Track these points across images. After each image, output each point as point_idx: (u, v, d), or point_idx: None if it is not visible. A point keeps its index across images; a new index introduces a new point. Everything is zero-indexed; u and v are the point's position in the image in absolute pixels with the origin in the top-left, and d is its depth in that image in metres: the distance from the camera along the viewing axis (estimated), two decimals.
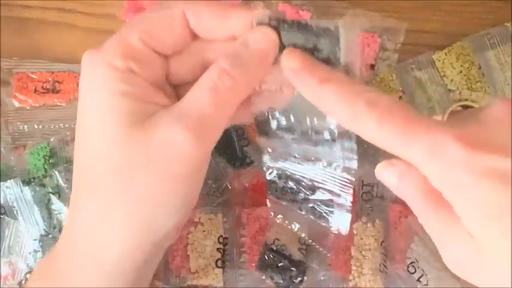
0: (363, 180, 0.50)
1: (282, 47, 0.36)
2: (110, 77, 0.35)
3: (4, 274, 0.49)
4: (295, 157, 0.39)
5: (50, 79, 0.52)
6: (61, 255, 0.39)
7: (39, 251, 0.49)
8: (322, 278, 0.48)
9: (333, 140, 0.36)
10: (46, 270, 0.40)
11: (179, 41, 0.37)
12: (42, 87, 0.52)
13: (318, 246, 0.45)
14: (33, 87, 0.52)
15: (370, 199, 0.49)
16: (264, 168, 0.41)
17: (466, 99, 0.34)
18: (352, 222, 0.47)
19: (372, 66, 0.52)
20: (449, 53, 0.50)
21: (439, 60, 0.51)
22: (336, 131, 0.36)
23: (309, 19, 0.36)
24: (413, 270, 0.47)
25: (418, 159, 0.32)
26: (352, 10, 0.52)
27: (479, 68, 0.50)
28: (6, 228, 0.50)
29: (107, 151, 0.35)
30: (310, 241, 0.44)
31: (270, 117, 0.38)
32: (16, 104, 0.52)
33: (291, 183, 0.40)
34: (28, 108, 0.52)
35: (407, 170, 0.34)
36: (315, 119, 0.36)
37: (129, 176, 0.35)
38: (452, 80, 0.50)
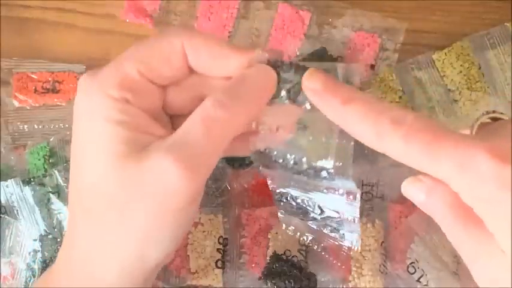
0: (362, 180, 0.50)
1: (279, 89, 0.36)
2: (106, 106, 0.35)
3: (4, 274, 0.49)
4: (297, 186, 0.39)
5: (50, 79, 0.52)
6: (58, 276, 0.39)
7: (39, 251, 0.49)
8: (322, 279, 0.48)
9: (332, 178, 0.36)
10: None
11: (177, 73, 0.37)
12: (42, 87, 0.52)
13: (319, 250, 0.45)
14: (33, 87, 0.52)
15: (370, 199, 0.49)
16: (270, 189, 0.41)
17: (494, 111, 0.34)
18: None
19: (372, 66, 0.52)
20: (449, 53, 0.50)
21: (439, 60, 0.51)
22: (332, 171, 0.36)
23: (306, 62, 0.36)
24: (413, 271, 0.47)
25: (448, 174, 0.31)
26: (351, 10, 0.52)
27: (479, 68, 0.50)
28: (7, 228, 0.50)
29: (101, 180, 0.35)
30: (311, 244, 0.45)
31: (268, 153, 0.38)
32: (16, 104, 0.52)
33: (299, 204, 0.40)
34: (28, 108, 0.52)
35: (436, 186, 0.33)
36: (312, 159, 0.36)
37: (120, 207, 0.35)
38: (452, 80, 0.50)
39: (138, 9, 0.53)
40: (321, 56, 0.51)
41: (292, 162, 0.37)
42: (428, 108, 0.50)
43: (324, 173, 0.36)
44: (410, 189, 0.35)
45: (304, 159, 0.36)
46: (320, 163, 0.36)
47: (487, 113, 0.34)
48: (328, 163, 0.35)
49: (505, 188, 0.29)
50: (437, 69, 0.51)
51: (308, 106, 0.36)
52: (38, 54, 0.53)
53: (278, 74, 0.36)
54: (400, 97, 0.50)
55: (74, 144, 0.37)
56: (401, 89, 0.51)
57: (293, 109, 0.36)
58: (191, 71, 0.37)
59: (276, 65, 0.36)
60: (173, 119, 0.38)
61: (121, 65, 0.36)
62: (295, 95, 0.36)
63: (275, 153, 0.37)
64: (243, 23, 0.53)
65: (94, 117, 0.35)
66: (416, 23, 0.52)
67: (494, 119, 0.35)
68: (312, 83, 0.35)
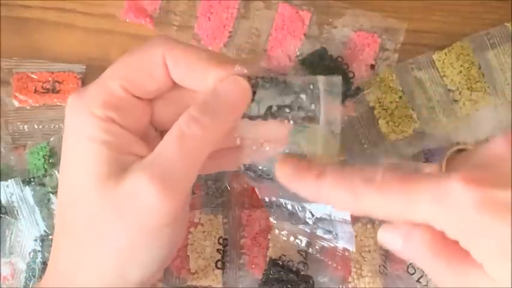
0: None
1: (261, 105, 0.36)
2: (91, 125, 0.35)
3: (4, 274, 0.49)
4: (286, 196, 0.39)
5: (50, 79, 0.52)
6: None
7: (39, 251, 0.49)
8: (322, 280, 0.48)
9: None
10: None
11: (161, 86, 0.37)
12: (42, 87, 0.52)
13: (314, 253, 0.45)
14: (33, 87, 0.52)
15: None
16: (259, 198, 0.41)
17: (458, 143, 0.34)
18: (352, 223, 0.47)
19: (372, 66, 0.52)
20: (449, 53, 0.50)
21: (439, 60, 0.50)
22: None
23: (287, 76, 0.36)
24: (413, 271, 0.47)
25: (428, 213, 0.31)
26: (351, 10, 0.52)
27: (479, 68, 0.50)
28: (7, 228, 0.50)
29: (82, 198, 0.35)
30: (306, 248, 0.45)
31: (254, 168, 0.38)
32: (16, 104, 0.52)
33: (289, 209, 0.40)
34: (28, 108, 0.53)
35: (412, 230, 0.33)
36: None
37: (100, 227, 0.35)
38: (452, 80, 0.50)
39: (138, 9, 0.53)
40: (321, 56, 0.51)
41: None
42: (428, 108, 0.50)
43: None
44: (386, 237, 0.35)
45: None
46: None
47: (452, 146, 0.35)
48: None
49: (485, 212, 0.29)
50: (437, 69, 0.51)
51: (291, 121, 0.36)
52: (38, 54, 0.53)
53: (258, 88, 0.36)
54: (400, 97, 0.50)
55: (61, 162, 0.37)
56: (401, 89, 0.51)
57: (276, 125, 0.36)
58: (174, 83, 0.37)
59: (256, 81, 0.36)
60: (163, 134, 0.38)
61: (105, 82, 0.36)
62: (277, 111, 0.36)
63: (260, 167, 0.38)
64: (243, 23, 0.53)
65: (79, 136, 0.36)
66: (416, 23, 0.52)
67: (460, 151, 0.36)
68: (283, 171, 0.35)
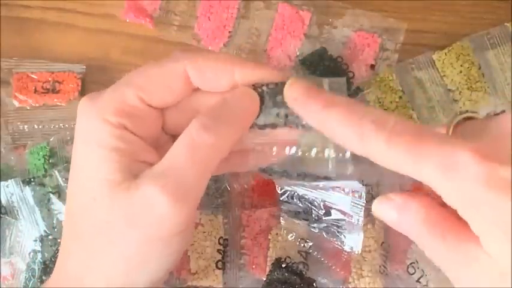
0: (362, 180, 0.50)
1: (271, 113, 0.36)
2: (103, 131, 0.35)
3: (4, 274, 0.49)
4: (303, 185, 0.39)
5: (50, 79, 0.52)
6: None
7: (39, 251, 0.49)
8: (322, 281, 0.48)
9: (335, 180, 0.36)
10: None
11: (178, 97, 0.37)
12: (42, 87, 0.52)
13: (318, 256, 0.45)
14: (33, 87, 0.52)
15: (370, 199, 0.49)
16: (276, 189, 0.41)
17: (467, 111, 0.34)
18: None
19: (372, 66, 0.52)
20: (449, 53, 0.50)
21: (439, 60, 0.51)
22: (334, 174, 0.36)
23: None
24: (413, 271, 0.47)
25: (432, 176, 0.30)
26: (351, 10, 0.52)
27: (479, 68, 0.50)
28: (7, 229, 0.50)
29: (92, 205, 0.35)
30: (310, 251, 0.45)
31: (269, 169, 0.39)
32: (16, 104, 0.52)
33: (303, 204, 0.40)
34: (28, 108, 0.53)
35: (407, 203, 0.33)
36: (313, 172, 0.36)
37: (109, 234, 0.35)
38: (452, 80, 0.50)
39: (138, 9, 0.53)
40: (321, 56, 0.51)
41: (295, 174, 0.37)
42: (428, 108, 0.50)
43: (326, 178, 0.37)
44: (380, 209, 0.34)
45: (306, 173, 0.37)
46: (322, 174, 0.36)
47: (460, 113, 0.34)
48: (330, 173, 0.36)
49: (492, 188, 0.28)
50: (437, 69, 0.51)
51: (301, 126, 0.36)
52: (38, 54, 0.53)
53: (265, 97, 0.36)
54: (400, 97, 0.50)
55: (71, 166, 0.37)
56: (401, 89, 0.51)
57: (285, 130, 0.36)
58: (191, 92, 0.38)
59: (261, 91, 0.36)
60: (174, 138, 0.38)
61: (121, 90, 0.36)
62: (285, 118, 0.36)
63: (275, 169, 0.38)
64: (243, 23, 0.53)
65: (90, 142, 0.36)
66: (416, 23, 0.52)
67: (468, 119, 0.35)
68: (292, 91, 0.35)
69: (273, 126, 0.36)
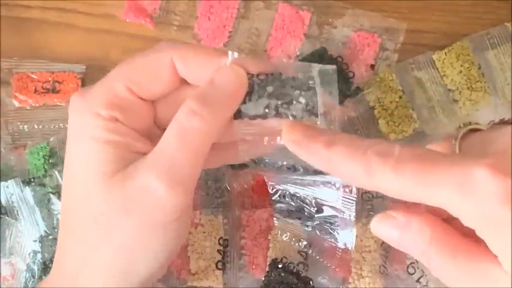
0: None
1: (257, 104, 0.36)
2: (94, 125, 0.36)
3: (4, 274, 0.49)
4: (293, 182, 0.39)
5: (50, 79, 0.52)
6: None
7: (38, 252, 0.49)
8: (322, 281, 0.48)
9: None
10: None
11: (167, 87, 0.37)
12: (42, 87, 0.52)
13: (314, 254, 0.45)
14: (33, 87, 0.52)
15: (370, 199, 0.49)
16: (268, 189, 0.41)
17: (470, 123, 0.33)
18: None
19: (372, 66, 0.52)
20: (449, 53, 0.50)
21: (439, 60, 0.50)
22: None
23: (282, 70, 0.36)
24: (413, 271, 0.47)
25: (447, 198, 0.29)
26: (351, 10, 0.52)
27: (479, 68, 0.50)
28: (7, 229, 0.50)
29: (87, 197, 0.36)
30: (306, 250, 0.45)
31: (259, 161, 0.38)
32: (16, 104, 0.52)
33: (295, 202, 0.40)
34: (28, 108, 0.53)
35: (410, 221, 0.31)
36: (304, 164, 0.36)
37: (106, 224, 0.35)
38: (452, 80, 0.50)
39: (138, 9, 0.53)
40: (321, 56, 0.51)
41: (285, 167, 0.37)
42: (428, 108, 0.50)
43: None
44: (380, 228, 0.33)
45: (296, 165, 0.37)
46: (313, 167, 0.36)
47: (464, 125, 0.33)
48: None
49: (508, 204, 0.27)
50: (437, 69, 0.51)
51: (290, 118, 0.36)
52: (38, 54, 0.53)
53: (255, 87, 0.36)
54: (400, 97, 0.50)
55: (65, 162, 0.38)
56: (401, 89, 0.51)
57: (275, 121, 0.36)
58: (181, 82, 0.38)
59: (251, 80, 0.36)
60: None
61: (110, 83, 0.37)
62: (276, 108, 0.36)
63: (267, 160, 0.38)
64: (243, 23, 0.53)
65: (83, 136, 0.36)
66: (416, 23, 0.52)
67: (473, 130, 0.34)
68: (291, 135, 0.34)
69: (264, 117, 0.36)
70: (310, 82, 0.36)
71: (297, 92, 0.36)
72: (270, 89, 0.36)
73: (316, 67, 0.36)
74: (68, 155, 0.38)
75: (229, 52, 0.36)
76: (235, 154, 0.37)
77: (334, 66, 0.37)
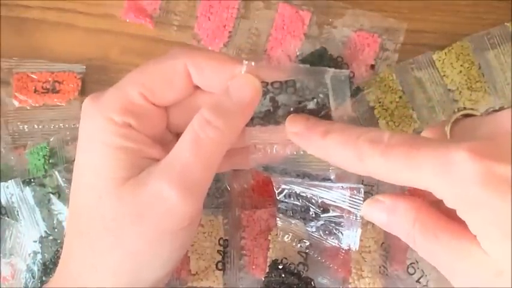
0: (362, 180, 0.50)
1: (270, 112, 0.37)
2: (107, 130, 0.36)
3: (4, 275, 0.49)
4: (300, 183, 0.39)
5: (50, 79, 0.52)
6: None
7: (38, 252, 0.49)
8: (322, 281, 0.48)
9: (334, 182, 0.37)
10: None
11: (181, 94, 0.37)
12: (42, 87, 0.52)
13: (315, 255, 0.45)
14: (33, 87, 0.52)
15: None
16: (274, 188, 0.41)
17: (465, 108, 0.34)
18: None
19: (372, 66, 0.52)
20: (449, 53, 0.50)
21: (439, 60, 0.50)
22: (334, 175, 0.37)
23: (295, 75, 0.37)
24: (413, 271, 0.47)
25: (430, 181, 0.30)
26: (351, 10, 0.52)
27: (479, 68, 0.50)
28: (7, 229, 0.50)
29: (98, 203, 0.36)
30: (308, 251, 0.45)
31: (269, 168, 0.39)
32: (16, 104, 0.52)
33: (300, 202, 0.40)
34: (28, 108, 0.52)
35: (396, 204, 0.33)
36: (314, 172, 0.37)
37: (116, 230, 0.35)
38: (452, 80, 0.50)
39: (138, 9, 0.53)
40: (321, 56, 0.51)
41: (294, 174, 0.38)
42: (428, 108, 0.50)
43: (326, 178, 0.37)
44: (370, 211, 0.35)
45: (306, 173, 0.37)
46: (322, 175, 0.36)
47: (459, 110, 0.34)
48: (330, 174, 0.36)
49: (489, 187, 0.28)
50: (437, 69, 0.51)
51: None
52: (38, 54, 0.53)
53: (269, 95, 0.36)
54: (400, 97, 0.50)
55: (75, 166, 0.38)
56: (401, 89, 0.51)
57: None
58: (195, 89, 0.38)
59: (266, 89, 0.36)
60: (178, 136, 0.39)
61: (124, 89, 0.37)
62: (290, 113, 0.37)
63: (276, 167, 0.38)
64: (243, 23, 0.53)
65: (95, 141, 0.36)
66: (416, 23, 0.52)
67: (467, 116, 0.35)
68: (292, 127, 0.36)
69: (276, 123, 0.37)
70: (324, 89, 0.36)
71: (310, 98, 0.36)
72: (283, 96, 0.36)
73: (329, 72, 0.36)
74: (78, 158, 0.37)
75: (244, 61, 0.36)
76: (245, 160, 0.38)
77: (347, 72, 0.37)
